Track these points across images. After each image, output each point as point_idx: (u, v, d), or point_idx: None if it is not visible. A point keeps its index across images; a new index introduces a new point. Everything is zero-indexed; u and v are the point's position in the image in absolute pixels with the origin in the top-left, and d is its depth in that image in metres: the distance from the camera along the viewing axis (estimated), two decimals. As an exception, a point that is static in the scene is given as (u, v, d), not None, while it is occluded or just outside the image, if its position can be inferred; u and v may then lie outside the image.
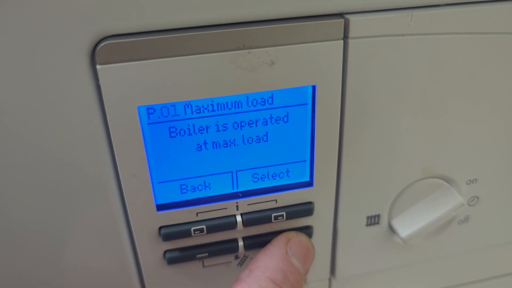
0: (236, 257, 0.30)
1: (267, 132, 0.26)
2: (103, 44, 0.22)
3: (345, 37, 0.24)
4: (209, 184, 0.27)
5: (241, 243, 0.28)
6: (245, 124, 0.25)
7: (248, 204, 0.27)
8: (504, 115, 0.29)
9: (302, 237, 0.29)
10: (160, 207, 0.26)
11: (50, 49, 0.21)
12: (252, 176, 0.27)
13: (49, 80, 0.22)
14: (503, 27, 0.26)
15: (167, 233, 0.27)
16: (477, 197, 0.32)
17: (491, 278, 0.39)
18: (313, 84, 0.25)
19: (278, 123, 0.26)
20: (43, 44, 0.21)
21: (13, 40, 0.21)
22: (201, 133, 0.25)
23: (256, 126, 0.26)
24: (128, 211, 0.26)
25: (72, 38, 0.21)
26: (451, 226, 0.33)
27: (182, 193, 0.27)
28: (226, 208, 0.27)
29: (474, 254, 0.36)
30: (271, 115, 0.25)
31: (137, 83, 0.23)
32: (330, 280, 0.34)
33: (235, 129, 0.25)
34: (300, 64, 0.24)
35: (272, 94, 0.25)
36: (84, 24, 0.21)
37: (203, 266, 0.29)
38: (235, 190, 0.27)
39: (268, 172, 0.27)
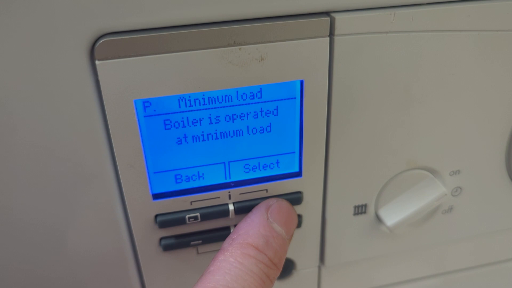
0: (229, 245, 0.31)
1: (258, 124, 0.27)
2: (102, 41, 0.23)
3: (331, 34, 0.25)
4: (203, 174, 0.28)
5: (233, 231, 0.30)
6: (237, 117, 0.27)
7: (240, 194, 0.29)
8: (484, 109, 0.30)
9: (283, 202, 0.29)
10: (156, 196, 0.28)
11: (52, 46, 0.23)
12: (244, 166, 0.28)
13: (50, 75, 0.23)
14: (481, 25, 0.27)
15: (163, 221, 0.28)
16: (460, 188, 0.33)
17: (475, 267, 0.40)
18: (301, 79, 0.26)
19: (268, 116, 0.27)
20: (45, 41, 0.23)
21: (17, 37, 0.22)
22: (194, 126, 0.26)
23: (248, 119, 0.27)
24: (126, 200, 0.27)
25: (72, 35, 0.23)
26: (436, 216, 0.34)
27: (177, 182, 0.28)
28: (219, 197, 0.29)
29: (458, 243, 0.37)
30: (261, 108, 0.27)
31: (134, 78, 0.24)
32: (319, 268, 0.35)
33: (227, 121, 0.27)
34: (289, 60, 0.25)
35: (260, 88, 0.26)
36: (84, 22, 0.22)
37: (197, 253, 0.31)
38: (228, 180, 0.29)
39: (259, 163, 0.29)
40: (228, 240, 0.26)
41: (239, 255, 0.25)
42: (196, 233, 0.30)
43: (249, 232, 0.26)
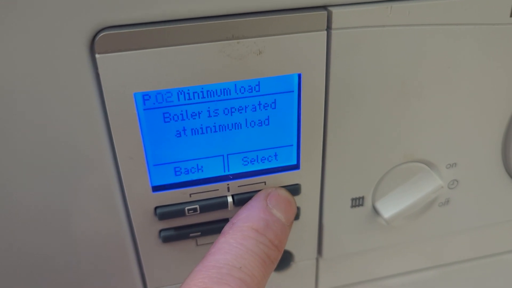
0: (228, 237, 0.31)
1: (256, 117, 0.28)
2: (101, 34, 0.23)
3: (328, 28, 0.26)
4: (202, 167, 0.28)
5: (232, 223, 0.30)
6: (235, 110, 0.27)
7: (238, 186, 0.29)
8: (481, 102, 0.30)
9: (281, 190, 0.29)
10: (156, 188, 0.28)
11: (52, 39, 0.23)
12: (242, 159, 0.29)
13: (51, 69, 0.24)
14: (478, 18, 0.27)
15: (163, 213, 0.28)
16: (457, 181, 0.33)
17: (472, 259, 0.40)
18: (299, 73, 0.26)
19: (267, 109, 0.27)
20: (46, 35, 0.23)
21: (18, 31, 0.22)
22: (193, 119, 0.27)
23: (246, 112, 0.27)
24: (126, 192, 0.28)
25: (73, 29, 0.23)
26: (433, 208, 0.34)
27: (176, 175, 0.28)
28: (218, 190, 0.29)
29: (455, 236, 0.38)
30: (259, 101, 0.27)
31: (133, 71, 0.24)
32: (317, 260, 0.36)
33: (226, 114, 0.27)
34: (286, 54, 0.25)
35: (259, 82, 0.26)
36: (84, 16, 0.23)
37: (197, 244, 0.31)
38: (226, 173, 0.29)
39: (257, 155, 0.29)
40: (228, 224, 0.27)
41: (239, 237, 0.25)
42: (195, 225, 0.30)
43: (249, 216, 0.26)
